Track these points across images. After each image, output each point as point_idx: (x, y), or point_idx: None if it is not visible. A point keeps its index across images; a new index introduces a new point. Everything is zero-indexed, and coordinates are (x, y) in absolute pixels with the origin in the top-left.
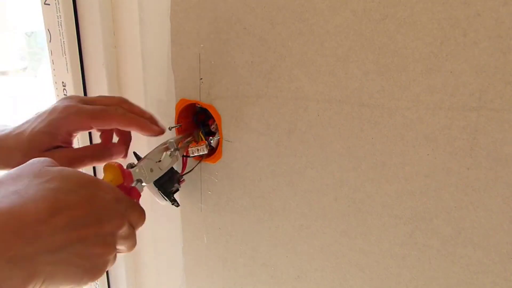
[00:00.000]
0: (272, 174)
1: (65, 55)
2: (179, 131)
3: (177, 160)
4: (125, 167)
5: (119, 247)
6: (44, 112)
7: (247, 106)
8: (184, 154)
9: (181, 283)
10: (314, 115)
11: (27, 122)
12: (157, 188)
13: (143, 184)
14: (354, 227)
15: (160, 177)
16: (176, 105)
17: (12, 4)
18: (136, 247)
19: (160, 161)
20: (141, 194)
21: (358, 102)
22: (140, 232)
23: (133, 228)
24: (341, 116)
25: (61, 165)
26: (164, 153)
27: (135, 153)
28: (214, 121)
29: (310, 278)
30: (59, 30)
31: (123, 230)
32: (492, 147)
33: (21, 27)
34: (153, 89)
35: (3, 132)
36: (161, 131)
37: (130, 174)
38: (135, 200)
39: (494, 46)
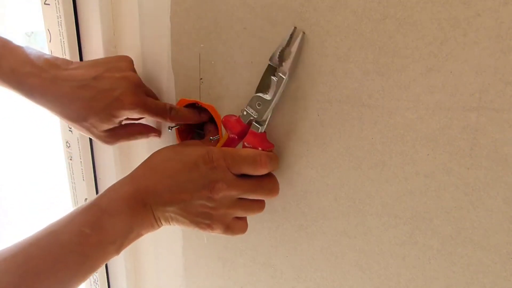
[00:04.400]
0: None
1: (65, 55)
2: (179, 131)
3: (282, 81)
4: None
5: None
6: (103, 89)
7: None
8: None
9: (181, 283)
10: (314, 115)
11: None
12: None
13: (258, 119)
14: (354, 227)
15: None
16: (176, 105)
17: (12, 4)
18: (136, 247)
19: (268, 90)
20: (265, 132)
21: (358, 102)
22: None
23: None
24: (341, 116)
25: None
26: (272, 78)
27: None
28: (211, 124)
29: (310, 278)
30: (59, 30)
31: (225, 196)
32: (492, 147)
33: (21, 27)
34: (153, 89)
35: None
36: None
37: (240, 122)
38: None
39: (494, 46)
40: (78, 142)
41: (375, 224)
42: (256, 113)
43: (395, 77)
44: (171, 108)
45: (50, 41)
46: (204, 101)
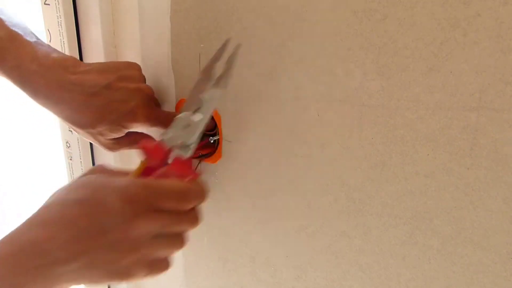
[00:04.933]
0: (272, 174)
1: None
2: None
3: (215, 98)
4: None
5: (154, 249)
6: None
7: (247, 106)
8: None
9: (181, 283)
10: (314, 115)
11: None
12: None
13: (187, 144)
14: (354, 227)
15: None
16: (176, 105)
17: (12, 4)
18: None
19: (197, 110)
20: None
21: (358, 102)
22: None
23: (170, 229)
24: (341, 116)
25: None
26: (203, 94)
27: None
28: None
29: (310, 278)
30: (59, 30)
31: (143, 234)
32: (492, 147)
33: None
34: (153, 89)
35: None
36: None
37: (158, 148)
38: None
39: (494, 46)
40: (78, 142)
41: (375, 224)
42: (182, 136)
43: (395, 77)
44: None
45: (50, 41)
46: None
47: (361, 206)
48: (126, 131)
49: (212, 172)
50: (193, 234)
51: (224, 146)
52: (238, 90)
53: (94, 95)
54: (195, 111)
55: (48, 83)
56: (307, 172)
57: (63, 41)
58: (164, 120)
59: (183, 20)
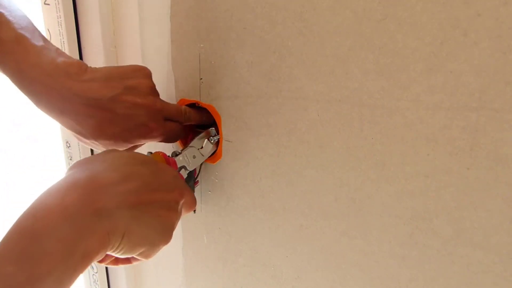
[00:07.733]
0: (272, 174)
1: None
2: None
3: (216, 147)
4: (169, 155)
5: None
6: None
7: (247, 106)
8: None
9: (181, 283)
10: (314, 115)
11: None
12: None
13: (188, 170)
14: (354, 227)
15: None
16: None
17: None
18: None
19: (202, 147)
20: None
21: (358, 102)
22: None
23: (180, 210)
24: (341, 116)
25: None
26: (205, 140)
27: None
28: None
29: (310, 278)
30: (59, 30)
31: (181, 205)
32: (492, 147)
33: None
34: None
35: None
36: None
37: (174, 162)
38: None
39: (494, 46)
40: (78, 142)
41: (375, 224)
42: (190, 163)
43: (395, 77)
44: (185, 112)
45: (50, 41)
46: (204, 101)
47: (361, 206)
48: (131, 145)
49: (212, 172)
50: (193, 234)
51: (224, 146)
52: (238, 90)
53: (98, 107)
54: (200, 148)
55: (49, 91)
56: (307, 172)
57: (63, 41)
58: (172, 129)
59: (183, 20)
